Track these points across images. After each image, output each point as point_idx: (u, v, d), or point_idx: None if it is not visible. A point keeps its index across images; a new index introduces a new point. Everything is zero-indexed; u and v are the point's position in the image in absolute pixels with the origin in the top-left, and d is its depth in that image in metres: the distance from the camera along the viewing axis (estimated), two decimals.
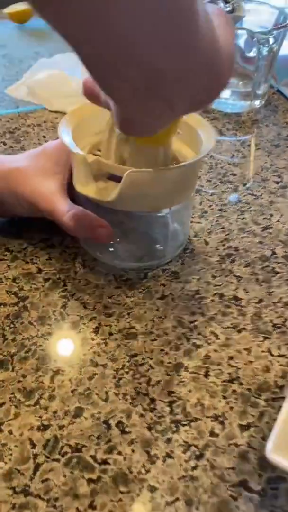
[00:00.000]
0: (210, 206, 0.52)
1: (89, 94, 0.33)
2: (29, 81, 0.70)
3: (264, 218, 0.50)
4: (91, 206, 0.40)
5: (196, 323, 0.40)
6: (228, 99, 0.70)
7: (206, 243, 0.47)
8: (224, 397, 0.35)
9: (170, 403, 0.34)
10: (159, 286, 0.43)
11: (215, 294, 0.42)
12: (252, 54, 0.64)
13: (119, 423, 0.33)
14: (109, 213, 0.40)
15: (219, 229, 0.49)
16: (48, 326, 0.39)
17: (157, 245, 0.47)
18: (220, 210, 0.52)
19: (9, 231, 0.47)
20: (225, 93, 0.69)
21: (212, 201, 0.53)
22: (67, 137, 0.39)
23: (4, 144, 0.61)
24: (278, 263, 0.45)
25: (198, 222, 0.50)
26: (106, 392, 0.35)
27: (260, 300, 0.42)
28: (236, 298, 0.42)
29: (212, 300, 0.42)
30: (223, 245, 0.47)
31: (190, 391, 0.35)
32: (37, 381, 0.35)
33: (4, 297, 0.41)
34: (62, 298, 0.41)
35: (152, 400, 0.34)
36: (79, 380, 0.35)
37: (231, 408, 0.34)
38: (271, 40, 0.62)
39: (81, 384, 0.35)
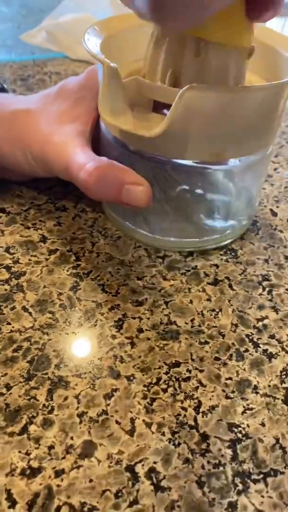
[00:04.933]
0: (276, 169, 0.39)
1: None
2: (48, 26, 0.58)
3: None
4: (121, 158, 0.28)
5: (266, 321, 0.27)
6: None
7: (274, 213, 0.35)
8: None
9: (233, 443, 0.22)
10: (209, 267, 0.30)
11: None
12: None
13: (151, 473, 0.21)
14: (145, 168, 0.28)
15: None
16: (50, 315, 0.27)
17: (215, 218, 0.31)
18: None
19: (6, 188, 0.35)
20: None
21: (278, 163, 0.40)
22: (94, 47, 0.27)
23: (14, 91, 0.49)
24: None
25: (262, 188, 0.37)
26: (132, 420, 0.22)
27: None
28: None
29: None
30: None
31: (262, 424, 0.22)
32: (27, 396, 0.23)
33: None
34: (72, 276, 0.29)
35: (205, 438, 0.22)
36: (90, 399, 0.23)
37: None
38: None
39: (94, 405, 0.23)
